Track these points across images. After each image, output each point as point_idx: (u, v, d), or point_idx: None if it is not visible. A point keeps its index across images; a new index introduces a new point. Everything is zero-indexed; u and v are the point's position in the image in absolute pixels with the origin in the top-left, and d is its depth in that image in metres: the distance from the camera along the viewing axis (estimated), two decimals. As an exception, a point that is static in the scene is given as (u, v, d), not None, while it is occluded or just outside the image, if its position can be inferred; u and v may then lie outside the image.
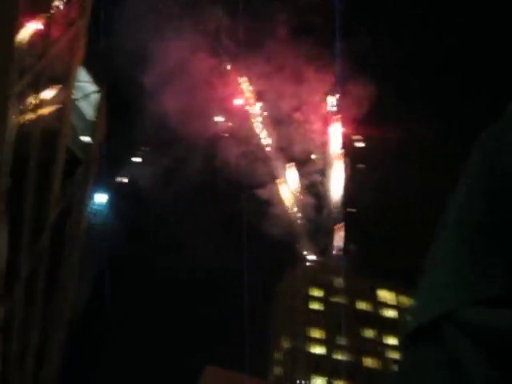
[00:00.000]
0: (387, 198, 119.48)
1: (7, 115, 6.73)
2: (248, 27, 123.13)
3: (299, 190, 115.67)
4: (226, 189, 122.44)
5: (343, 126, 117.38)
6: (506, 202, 1.16)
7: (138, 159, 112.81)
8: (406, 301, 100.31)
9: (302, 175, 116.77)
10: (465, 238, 1.24)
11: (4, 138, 6.73)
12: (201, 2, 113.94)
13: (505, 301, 1.06)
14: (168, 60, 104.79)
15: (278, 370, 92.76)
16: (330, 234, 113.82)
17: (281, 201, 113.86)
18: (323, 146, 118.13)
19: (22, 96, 9.43)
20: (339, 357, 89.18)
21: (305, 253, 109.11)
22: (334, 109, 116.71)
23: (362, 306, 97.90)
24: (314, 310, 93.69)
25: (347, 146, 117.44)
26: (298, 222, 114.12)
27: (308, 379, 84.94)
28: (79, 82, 18.85)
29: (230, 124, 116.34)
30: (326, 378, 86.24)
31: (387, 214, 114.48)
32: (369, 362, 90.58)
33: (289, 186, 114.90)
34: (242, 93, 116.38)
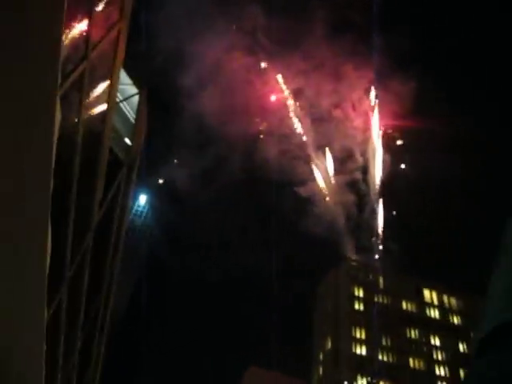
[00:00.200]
0: (431, 198, 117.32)
1: (53, 116, 6.77)
2: (285, 25, 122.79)
3: (339, 186, 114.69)
4: (265, 188, 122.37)
5: (384, 123, 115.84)
6: None
7: (177, 160, 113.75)
8: (451, 301, 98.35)
9: (342, 173, 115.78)
10: None
11: (51, 139, 6.77)
12: (238, 1, 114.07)
13: None
14: (206, 60, 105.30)
15: (320, 371, 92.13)
16: (372, 233, 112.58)
17: (322, 199, 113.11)
18: (364, 143, 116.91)
19: (66, 97, 9.48)
20: (383, 357, 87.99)
21: (347, 252, 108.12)
22: (375, 105, 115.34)
23: (406, 306, 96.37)
24: (357, 310, 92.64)
25: (388, 143, 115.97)
26: (341, 220, 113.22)
27: (351, 380, 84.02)
28: (121, 84, 18.92)
29: (269, 122, 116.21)
30: (369, 379, 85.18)
31: (432, 214, 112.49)
32: (413, 362, 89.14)
33: (328, 182, 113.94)
34: (280, 91, 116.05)
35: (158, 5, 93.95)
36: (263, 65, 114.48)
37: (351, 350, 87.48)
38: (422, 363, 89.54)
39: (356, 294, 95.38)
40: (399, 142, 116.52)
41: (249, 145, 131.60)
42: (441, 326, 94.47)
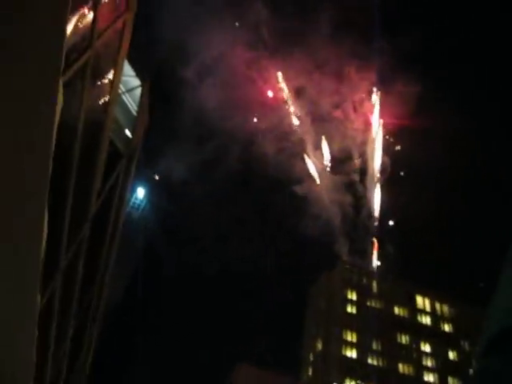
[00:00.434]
0: (427, 204, 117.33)
1: (55, 103, 6.74)
2: (288, 22, 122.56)
3: (336, 187, 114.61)
4: (262, 182, 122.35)
5: (384, 123, 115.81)
6: None
7: (176, 153, 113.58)
8: (443, 309, 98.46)
9: (340, 174, 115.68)
10: None
11: (52, 127, 6.74)
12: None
13: None
14: (208, 54, 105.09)
15: (310, 371, 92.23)
16: (368, 237, 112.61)
17: (318, 200, 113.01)
18: (362, 144, 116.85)
19: (69, 85, 9.47)
20: (373, 361, 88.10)
21: (342, 255, 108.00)
22: (376, 107, 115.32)
23: (398, 311, 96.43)
24: (349, 314, 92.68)
25: (388, 147, 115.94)
26: (336, 222, 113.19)
27: (340, 382, 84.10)
28: (124, 76, 18.90)
29: (269, 119, 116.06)
30: (358, 382, 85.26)
31: (427, 219, 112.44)
32: (403, 367, 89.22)
33: (322, 171, 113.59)
34: (280, 88, 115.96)
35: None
36: (265, 61, 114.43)
37: (341, 352, 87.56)
38: (411, 369, 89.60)
39: (349, 297, 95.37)
40: (398, 148, 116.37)
41: (247, 140, 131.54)
42: (432, 333, 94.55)
